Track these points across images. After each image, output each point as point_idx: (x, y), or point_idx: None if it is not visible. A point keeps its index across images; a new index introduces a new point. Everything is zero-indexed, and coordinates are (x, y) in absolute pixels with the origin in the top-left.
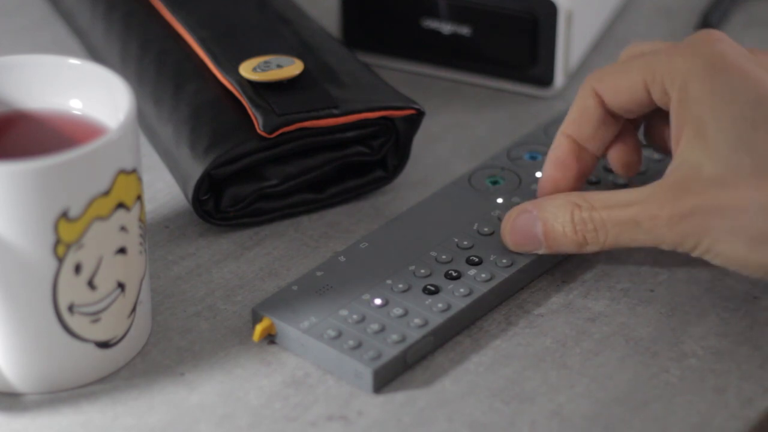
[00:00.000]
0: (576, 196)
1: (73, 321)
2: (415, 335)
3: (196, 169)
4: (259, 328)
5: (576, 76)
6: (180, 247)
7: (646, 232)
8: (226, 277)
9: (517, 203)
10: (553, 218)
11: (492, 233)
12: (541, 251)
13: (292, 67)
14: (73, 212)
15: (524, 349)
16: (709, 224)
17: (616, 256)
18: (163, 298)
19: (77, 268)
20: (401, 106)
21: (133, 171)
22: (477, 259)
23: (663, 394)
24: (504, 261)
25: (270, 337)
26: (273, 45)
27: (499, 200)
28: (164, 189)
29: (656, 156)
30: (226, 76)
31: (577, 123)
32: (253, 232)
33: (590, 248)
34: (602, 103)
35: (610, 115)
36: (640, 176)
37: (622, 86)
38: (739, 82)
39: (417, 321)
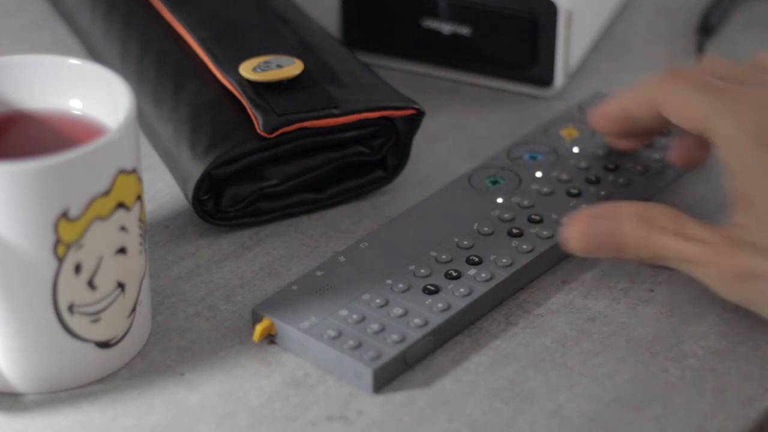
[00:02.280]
0: (655, 214)
1: (73, 321)
2: (415, 335)
3: (196, 169)
4: (259, 328)
5: (576, 76)
6: (180, 247)
7: (701, 275)
8: (226, 277)
9: (517, 203)
10: (631, 232)
11: (492, 233)
12: (606, 256)
13: (292, 67)
14: (73, 212)
15: (524, 349)
16: (762, 291)
17: None
18: (163, 298)
19: (77, 268)
20: (401, 106)
21: (133, 171)
22: (477, 259)
23: (663, 394)
24: (504, 261)
25: (270, 337)
26: (273, 45)
27: (499, 200)
28: (164, 189)
29: (656, 156)
30: (226, 76)
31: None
32: (253, 232)
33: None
34: (660, 116)
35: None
36: (641, 176)
37: (683, 117)
38: None
39: (417, 321)
